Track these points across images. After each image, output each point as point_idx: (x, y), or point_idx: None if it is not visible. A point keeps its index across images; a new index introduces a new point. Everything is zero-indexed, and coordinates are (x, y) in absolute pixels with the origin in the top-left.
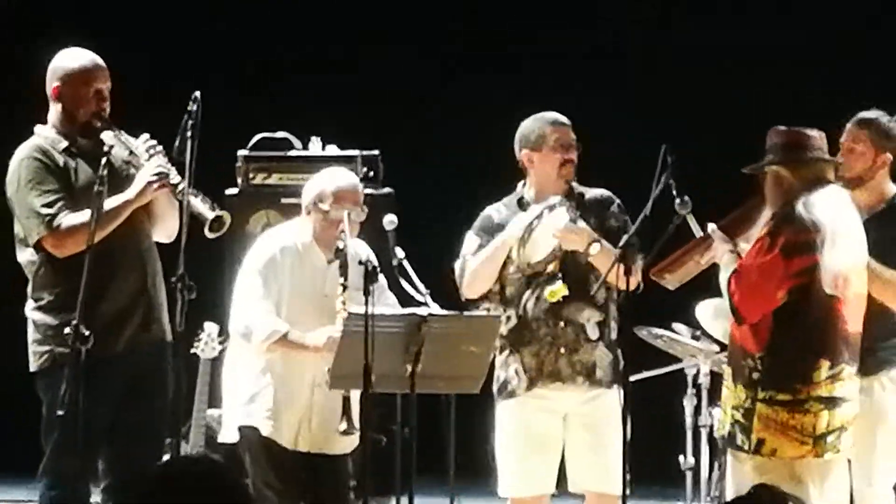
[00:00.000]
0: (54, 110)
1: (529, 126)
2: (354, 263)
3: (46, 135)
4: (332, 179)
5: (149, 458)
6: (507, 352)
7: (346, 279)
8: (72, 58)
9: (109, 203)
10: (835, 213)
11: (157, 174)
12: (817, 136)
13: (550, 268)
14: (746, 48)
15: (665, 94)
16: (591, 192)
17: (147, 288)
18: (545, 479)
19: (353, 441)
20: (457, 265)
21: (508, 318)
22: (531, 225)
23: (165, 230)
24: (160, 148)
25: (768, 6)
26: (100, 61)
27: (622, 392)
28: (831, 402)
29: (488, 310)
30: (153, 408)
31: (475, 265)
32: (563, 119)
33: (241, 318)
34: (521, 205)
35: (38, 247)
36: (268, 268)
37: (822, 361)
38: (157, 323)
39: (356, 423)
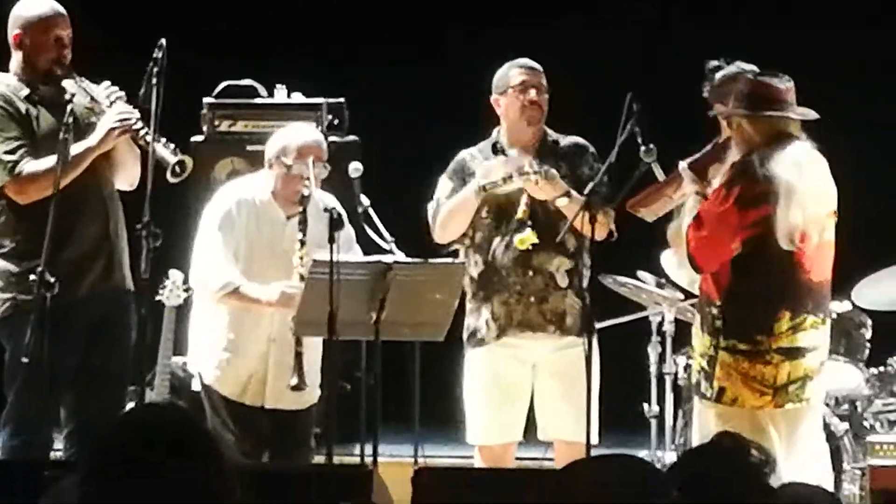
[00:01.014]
0: (15, 58)
1: (500, 72)
2: (316, 219)
3: (8, 82)
4: (297, 134)
5: (111, 405)
6: (476, 299)
7: (304, 234)
8: (32, 5)
9: (72, 150)
10: (792, 167)
11: (119, 120)
12: (783, 88)
13: (520, 214)
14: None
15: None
16: (566, 140)
17: (109, 235)
18: (514, 427)
19: (311, 396)
20: (429, 208)
21: (476, 262)
22: (496, 183)
23: (127, 178)
24: (122, 94)
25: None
26: (60, 8)
27: (589, 340)
28: (793, 353)
29: (456, 253)
30: (115, 354)
31: (445, 211)
32: (531, 63)
33: (197, 269)
34: (496, 150)
35: (0, 194)
36: (224, 221)
37: (783, 312)
38: (119, 270)
39: (311, 379)
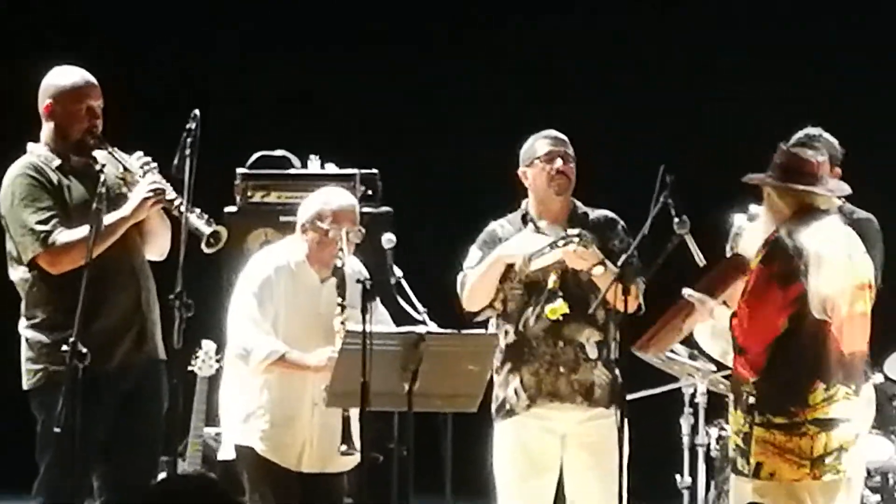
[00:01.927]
0: (46, 128)
1: (526, 143)
2: (352, 282)
3: (39, 152)
4: (331, 198)
5: (143, 476)
6: (505, 370)
7: (344, 298)
8: (64, 75)
9: (105, 220)
10: (820, 239)
11: (152, 190)
12: (815, 161)
13: (551, 284)
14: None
15: (664, 108)
16: (595, 213)
17: (141, 306)
18: (544, 499)
19: (353, 460)
20: (459, 278)
21: (507, 332)
22: (542, 252)
23: (158, 248)
24: (154, 164)
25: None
26: (91, 78)
27: (620, 413)
28: (827, 424)
29: (487, 324)
30: (147, 426)
31: (472, 279)
32: (557, 134)
33: (238, 339)
34: (525, 221)
35: (31, 264)
36: (263, 289)
37: (817, 384)
38: (151, 341)
39: (356, 444)
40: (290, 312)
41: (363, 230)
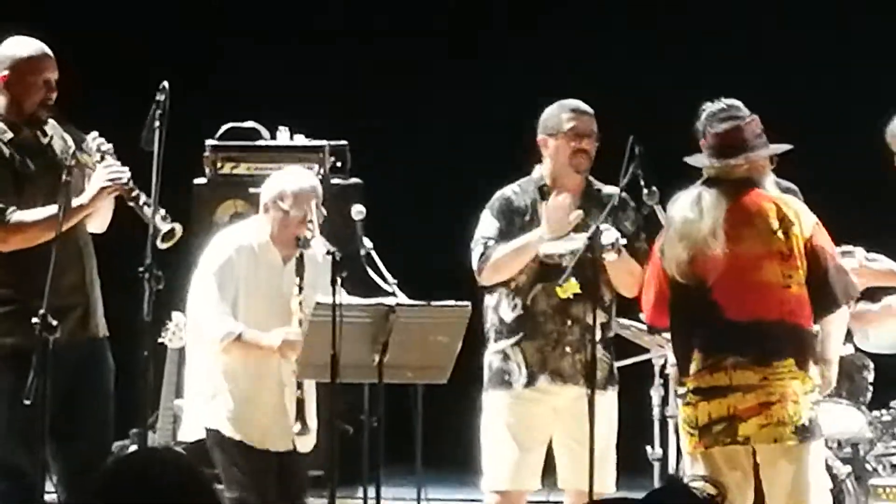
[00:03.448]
0: (1, 99)
1: (551, 110)
2: (311, 263)
3: None
4: (293, 180)
5: (94, 452)
6: (506, 341)
7: (302, 280)
8: (20, 46)
9: (57, 208)
10: (679, 205)
11: (111, 179)
12: (704, 136)
13: (563, 263)
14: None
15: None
16: (607, 190)
17: (85, 284)
18: (534, 475)
19: (313, 439)
20: (474, 248)
21: (515, 306)
22: (574, 252)
23: (100, 222)
24: (110, 146)
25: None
26: (48, 50)
27: (615, 394)
28: (709, 392)
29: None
30: (97, 400)
31: (500, 256)
32: (585, 107)
33: (196, 320)
34: (542, 193)
35: None
36: (224, 269)
37: (695, 352)
38: (94, 318)
39: (311, 424)
40: (252, 292)
41: (325, 211)
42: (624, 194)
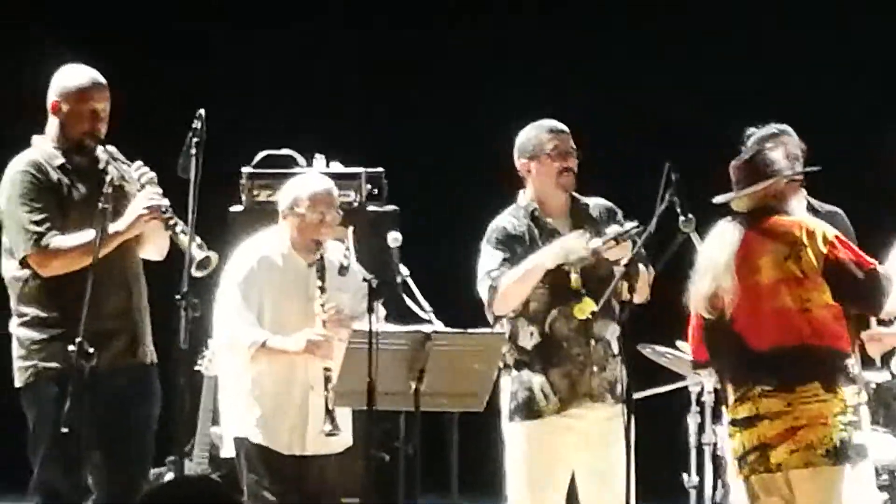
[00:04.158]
0: (51, 124)
1: (527, 134)
2: (331, 266)
3: (43, 147)
4: (306, 184)
5: (133, 479)
6: (527, 371)
7: (323, 281)
8: (72, 75)
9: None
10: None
11: (148, 207)
12: (732, 167)
13: (574, 284)
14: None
15: (665, 104)
16: (593, 203)
17: (132, 309)
18: (560, 501)
19: (345, 440)
20: (482, 281)
21: (531, 334)
22: (596, 250)
23: (157, 248)
24: (153, 175)
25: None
26: (100, 79)
27: (628, 408)
28: (743, 423)
29: (514, 323)
30: (138, 428)
31: (509, 282)
32: (561, 126)
33: (222, 333)
34: (534, 216)
35: (23, 262)
36: (247, 280)
37: (728, 385)
38: (142, 345)
39: (340, 424)
40: (280, 300)
41: (341, 212)
42: (610, 204)
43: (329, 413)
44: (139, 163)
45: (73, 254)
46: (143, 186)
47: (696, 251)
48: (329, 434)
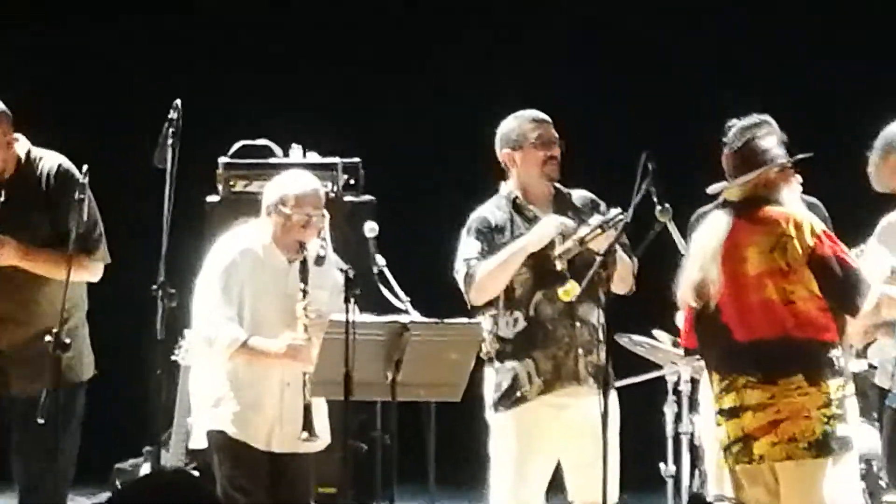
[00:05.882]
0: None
1: (509, 125)
2: (311, 257)
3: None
4: (294, 183)
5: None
6: (511, 357)
7: (306, 284)
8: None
9: None
10: (698, 231)
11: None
12: (724, 156)
13: (558, 267)
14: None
15: (646, 94)
16: (576, 194)
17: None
18: (542, 490)
19: (323, 442)
20: (458, 270)
21: (516, 320)
22: (593, 232)
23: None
24: None
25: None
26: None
27: (610, 396)
28: (728, 413)
29: (494, 316)
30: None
31: (488, 270)
32: (544, 116)
33: (202, 326)
34: (517, 207)
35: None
36: (228, 272)
37: (714, 375)
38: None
39: (324, 429)
40: (259, 295)
41: (327, 214)
42: (593, 195)
43: (307, 420)
44: None
45: None
46: None
47: (674, 240)
48: (306, 441)
